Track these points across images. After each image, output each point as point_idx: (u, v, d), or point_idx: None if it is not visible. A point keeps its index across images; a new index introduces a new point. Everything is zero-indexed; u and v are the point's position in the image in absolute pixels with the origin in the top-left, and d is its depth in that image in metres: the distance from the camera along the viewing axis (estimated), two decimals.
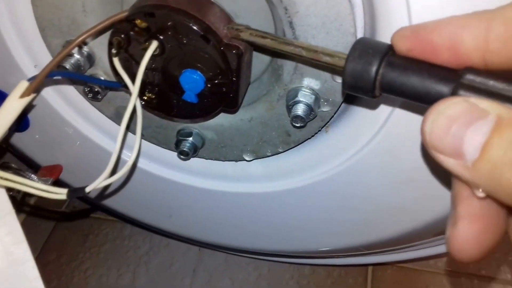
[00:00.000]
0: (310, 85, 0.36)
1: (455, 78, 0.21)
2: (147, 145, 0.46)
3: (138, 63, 0.33)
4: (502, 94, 0.19)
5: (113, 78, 0.38)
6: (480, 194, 0.19)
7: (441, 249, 0.54)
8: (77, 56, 0.38)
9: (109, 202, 0.58)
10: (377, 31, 0.33)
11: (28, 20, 0.39)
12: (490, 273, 0.70)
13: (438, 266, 0.71)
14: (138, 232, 0.78)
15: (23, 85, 0.31)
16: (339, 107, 0.37)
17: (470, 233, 0.20)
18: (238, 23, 0.35)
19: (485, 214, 0.20)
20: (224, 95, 0.35)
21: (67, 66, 0.37)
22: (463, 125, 0.18)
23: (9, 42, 0.41)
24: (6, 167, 0.45)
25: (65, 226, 0.80)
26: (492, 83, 0.20)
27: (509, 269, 0.70)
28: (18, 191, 0.47)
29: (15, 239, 0.34)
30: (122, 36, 0.33)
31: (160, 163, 0.49)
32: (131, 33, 0.33)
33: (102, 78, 0.41)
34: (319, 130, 0.40)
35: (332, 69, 0.33)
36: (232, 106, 0.36)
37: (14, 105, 0.31)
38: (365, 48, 0.24)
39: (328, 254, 0.62)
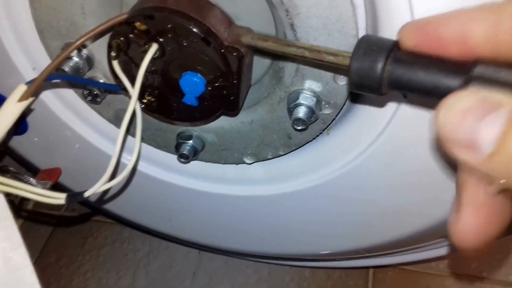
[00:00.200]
0: (311, 87, 0.36)
1: (464, 71, 0.20)
2: (146, 148, 0.46)
3: (137, 66, 0.33)
4: None
5: (112, 81, 0.38)
6: (493, 189, 0.19)
7: (442, 251, 0.54)
8: (76, 59, 0.38)
9: (108, 206, 0.58)
10: (379, 33, 0.32)
11: (27, 22, 0.39)
12: (491, 275, 0.70)
13: (439, 268, 0.71)
14: (137, 235, 0.77)
15: (21, 88, 0.31)
16: (341, 109, 0.37)
17: (473, 221, 0.20)
18: (239, 25, 0.34)
19: (490, 204, 0.20)
20: (225, 98, 0.35)
21: (66, 69, 0.37)
22: (477, 117, 0.18)
23: (7, 45, 0.41)
24: (4, 171, 0.44)
25: (64, 229, 0.80)
26: (502, 75, 0.19)
27: (510, 271, 0.70)
28: (16, 195, 0.47)
29: (13, 245, 0.33)
30: (122, 38, 0.33)
31: (160, 166, 0.49)
32: (131, 35, 0.33)
33: (102, 81, 0.40)
34: (321, 133, 0.39)
35: (336, 69, 0.33)
36: (232, 109, 0.36)
37: (12, 109, 0.31)
38: (369, 45, 0.23)
39: (329, 257, 0.61)
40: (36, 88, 0.31)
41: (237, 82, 0.34)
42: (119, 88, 0.36)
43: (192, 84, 0.34)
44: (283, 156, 0.43)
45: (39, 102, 0.44)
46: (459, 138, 0.18)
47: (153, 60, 0.33)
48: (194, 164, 0.46)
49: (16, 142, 0.50)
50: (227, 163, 0.45)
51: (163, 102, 0.37)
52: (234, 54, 0.33)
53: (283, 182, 0.46)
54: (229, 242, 0.58)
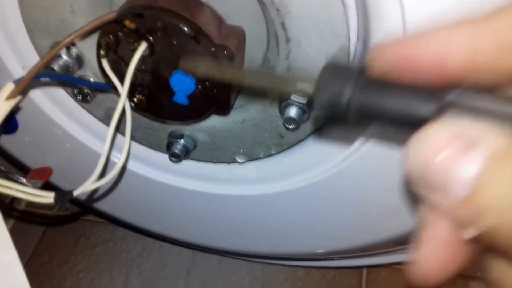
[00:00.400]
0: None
1: (439, 97, 0.18)
2: (138, 147, 0.46)
3: (127, 65, 0.33)
4: (493, 113, 0.17)
5: (102, 80, 0.38)
6: (467, 234, 0.17)
7: None
8: (65, 57, 0.37)
9: (99, 205, 0.57)
10: (371, 33, 0.32)
11: (16, 20, 0.38)
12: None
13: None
14: (130, 235, 0.77)
15: (9, 87, 0.31)
16: None
17: (432, 260, 0.19)
18: (230, 24, 0.34)
19: (451, 243, 0.18)
20: (216, 97, 0.35)
21: (56, 67, 0.37)
22: (451, 156, 0.16)
23: None
24: None
25: (56, 228, 0.79)
26: (479, 102, 0.18)
27: None
28: (6, 195, 0.47)
29: (3, 244, 0.33)
30: (111, 37, 0.32)
31: (151, 166, 0.48)
32: (120, 34, 0.32)
33: (92, 79, 0.40)
34: (313, 132, 0.39)
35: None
36: (223, 108, 0.36)
37: (0, 107, 0.31)
38: (335, 72, 0.21)
39: (322, 256, 0.61)
40: (24, 87, 0.30)
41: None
42: (109, 87, 0.36)
43: (182, 83, 0.33)
44: (275, 155, 0.43)
45: (29, 101, 0.44)
46: (430, 178, 0.17)
47: (142, 58, 0.32)
48: (186, 164, 0.46)
49: (7, 141, 0.50)
50: (219, 163, 0.45)
51: (153, 101, 0.37)
52: (225, 52, 0.32)
53: (275, 182, 0.46)
54: (222, 241, 0.58)
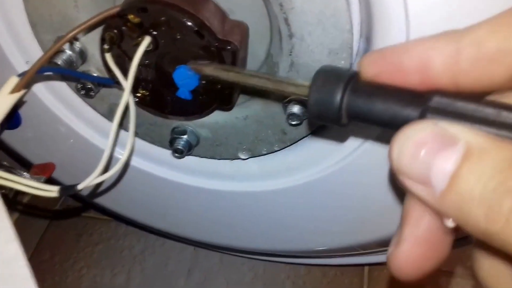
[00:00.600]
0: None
1: (423, 101, 0.20)
2: (141, 143, 0.46)
3: (130, 59, 0.33)
4: (472, 116, 0.19)
5: (106, 75, 0.38)
6: (450, 224, 0.18)
7: None
8: (68, 52, 0.37)
9: (102, 201, 0.57)
10: (374, 28, 0.32)
11: (20, 15, 0.38)
12: None
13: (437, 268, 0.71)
14: (132, 232, 0.77)
15: (13, 80, 0.31)
16: None
17: (410, 256, 0.20)
18: (233, 19, 0.34)
19: (430, 240, 0.20)
20: (219, 92, 0.35)
21: (59, 62, 0.37)
22: (432, 151, 0.17)
23: (0, 38, 0.40)
24: None
25: (58, 225, 0.79)
26: (461, 105, 0.19)
27: None
28: (10, 189, 0.47)
29: (6, 238, 0.33)
30: (115, 31, 0.32)
31: (154, 161, 0.48)
32: (124, 28, 0.33)
33: (95, 74, 0.40)
34: (316, 128, 0.39)
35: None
36: (227, 103, 0.36)
37: (4, 100, 0.31)
38: (328, 75, 0.23)
39: (324, 253, 0.61)
40: (28, 80, 0.31)
41: None
42: (112, 82, 0.36)
43: (186, 78, 0.34)
44: (278, 152, 0.43)
45: (32, 96, 0.44)
46: (412, 172, 0.18)
47: (146, 53, 0.32)
48: (189, 160, 0.46)
49: (10, 137, 0.50)
50: (221, 159, 0.45)
51: (156, 96, 0.37)
52: (228, 47, 0.32)
53: (277, 178, 0.46)
54: (224, 238, 0.58)
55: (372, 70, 0.22)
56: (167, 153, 0.45)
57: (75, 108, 0.46)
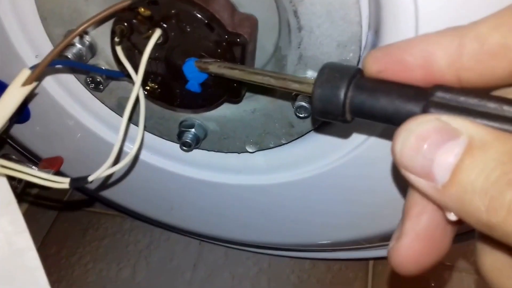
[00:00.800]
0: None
1: (425, 96, 0.20)
2: (149, 137, 0.46)
3: (141, 52, 0.33)
4: (474, 110, 0.19)
5: (115, 69, 0.38)
6: (452, 217, 0.18)
7: None
8: (78, 45, 0.38)
9: (110, 194, 0.58)
10: (382, 21, 0.32)
11: (30, 9, 0.39)
12: None
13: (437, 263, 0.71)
14: (138, 226, 0.77)
15: (25, 73, 0.31)
16: None
17: (410, 251, 0.20)
18: (242, 11, 0.34)
19: (430, 235, 0.20)
20: (228, 85, 0.35)
21: (69, 55, 0.37)
22: (434, 144, 0.18)
23: (10, 32, 0.41)
24: (7, 158, 0.44)
25: (65, 220, 0.80)
26: (463, 99, 0.19)
27: None
28: (19, 182, 0.47)
29: (17, 229, 0.33)
30: (125, 24, 0.33)
31: (162, 155, 0.49)
32: (134, 21, 0.33)
33: (104, 68, 0.40)
34: (323, 122, 0.39)
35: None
36: (235, 96, 0.36)
37: (16, 93, 0.31)
38: (332, 72, 0.23)
39: (329, 247, 0.62)
40: (39, 73, 0.31)
41: None
42: (122, 75, 0.36)
43: (195, 71, 0.34)
44: (285, 145, 0.43)
45: (41, 91, 0.44)
46: (415, 165, 0.18)
47: (156, 46, 0.33)
48: (196, 153, 0.46)
49: (18, 131, 0.50)
50: (229, 152, 0.45)
51: (166, 89, 0.37)
52: (238, 40, 0.33)
53: (285, 171, 0.46)
54: (231, 231, 0.58)
55: (376, 66, 0.22)
56: (174, 146, 0.45)
57: (83, 101, 0.46)
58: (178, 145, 0.44)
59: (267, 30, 0.36)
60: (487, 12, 0.20)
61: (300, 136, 0.42)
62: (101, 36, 0.38)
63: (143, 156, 0.49)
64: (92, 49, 0.39)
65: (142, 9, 0.32)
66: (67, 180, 0.32)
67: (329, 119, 0.24)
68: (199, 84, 0.35)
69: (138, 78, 0.32)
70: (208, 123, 0.43)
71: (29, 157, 0.55)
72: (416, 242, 0.20)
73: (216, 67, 0.32)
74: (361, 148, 0.40)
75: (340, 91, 0.22)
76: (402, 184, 0.42)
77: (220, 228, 0.58)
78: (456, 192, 0.17)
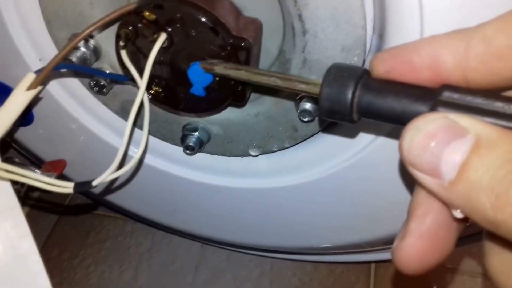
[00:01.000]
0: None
1: (433, 96, 0.20)
2: (152, 140, 0.46)
3: (145, 56, 0.33)
4: (481, 109, 0.19)
5: (119, 72, 0.38)
6: (458, 214, 0.18)
7: None
8: (83, 49, 0.38)
9: (113, 198, 0.58)
10: (387, 25, 0.32)
11: (34, 12, 0.39)
12: None
13: (441, 264, 0.71)
14: (140, 229, 0.77)
15: (30, 77, 0.31)
16: None
17: (414, 250, 0.20)
18: (247, 15, 0.34)
19: (434, 235, 0.20)
20: (232, 89, 0.35)
21: (73, 59, 0.37)
22: (442, 142, 0.18)
23: (14, 35, 0.41)
24: (10, 162, 0.44)
25: (67, 222, 0.80)
26: (470, 99, 0.19)
27: None
28: (22, 185, 0.47)
29: (20, 233, 0.33)
30: (130, 28, 0.33)
31: (165, 158, 0.49)
32: (139, 25, 0.33)
33: (108, 72, 0.40)
34: (326, 125, 0.39)
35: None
36: (239, 100, 0.36)
37: (21, 97, 0.31)
38: (339, 72, 0.23)
39: (331, 251, 0.62)
40: (44, 77, 0.31)
41: None
42: (127, 79, 0.36)
43: (200, 75, 0.34)
44: (288, 149, 0.43)
45: (45, 94, 0.44)
46: (422, 163, 0.18)
47: (161, 50, 0.33)
48: (200, 157, 0.46)
49: (22, 134, 0.50)
50: (232, 156, 0.45)
51: (170, 93, 0.37)
52: (242, 44, 0.33)
53: (288, 175, 0.46)
54: (234, 234, 0.58)
55: (383, 67, 0.22)
56: (177, 149, 0.45)
57: (86, 105, 0.46)
58: (181, 148, 0.44)
59: (271, 33, 0.36)
60: (491, 16, 0.20)
61: (304, 140, 0.41)
62: (105, 39, 0.38)
63: (147, 159, 0.49)
64: (96, 52, 0.39)
65: (147, 13, 0.32)
66: (71, 184, 0.32)
67: (336, 119, 0.24)
68: (204, 88, 0.35)
69: (143, 82, 0.32)
70: (211, 126, 0.43)
71: (32, 160, 0.55)
72: (421, 242, 0.20)
73: (222, 68, 0.32)
74: (364, 153, 0.40)
75: (348, 90, 0.22)
76: (406, 185, 0.42)
77: (222, 231, 0.58)
78: (463, 189, 0.17)
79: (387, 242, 0.52)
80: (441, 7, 0.30)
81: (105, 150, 0.48)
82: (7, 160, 0.44)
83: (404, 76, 0.21)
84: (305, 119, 0.37)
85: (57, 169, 0.47)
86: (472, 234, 0.44)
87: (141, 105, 0.33)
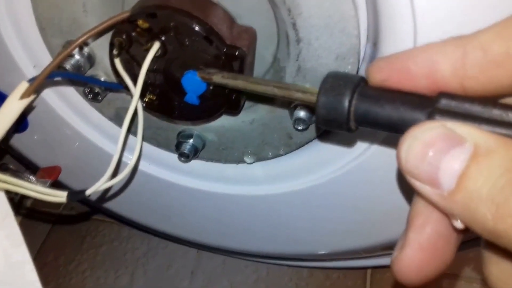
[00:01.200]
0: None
1: (430, 104, 0.20)
2: (147, 147, 0.46)
3: (139, 64, 0.33)
4: (479, 116, 0.19)
5: (113, 79, 0.38)
6: (458, 225, 0.18)
7: None
8: (77, 56, 0.38)
9: (108, 205, 0.57)
10: (381, 34, 0.32)
11: (28, 19, 0.39)
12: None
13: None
14: (136, 234, 0.77)
15: (23, 86, 0.31)
16: None
17: (414, 261, 0.20)
18: (241, 24, 0.34)
19: (434, 246, 0.20)
20: (227, 97, 0.35)
21: (67, 66, 0.37)
22: (440, 152, 0.18)
23: (8, 42, 0.41)
24: (4, 169, 0.44)
25: (62, 227, 0.79)
26: (468, 106, 0.19)
27: None
28: (16, 193, 0.47)
29: (14, 242, 0.33)
30: (124, 36, 0.33)
31: (160, 165, 0.49)
32: (133, 33, 0.33)
33: (103, 79, 0.40)
34: (322, 133, 0.39)
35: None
36: (234, 108, 0.36)
37: (14, 106, 0.31)
38: (336, 80, 0.23)
39: (327, 257, 0.61)
40: (38, 86, 0.31)
41: None
42: (121, 87, 0.36)
43: (194, 83, 0.34)
44: (283, 156, 0.43)
45: (39, 100, 0.44)
46: (421, 172, 0.18)
47: (155, 58, 0.33)
48: (195, 163, 0.46)
49: (16, 140, 0.50)
50: (227, 163, 0.45)
51: (164, 101, 0.37)
52: (236, 53, 0.33)
53: (283, 182, 0.46)
54: (229, 241, 0.58)
55: (380, 75, 0.22)
56: (172, 156, 0.45)
57: (81, 111, 0.46)
58: (176, 155, 0.44)
59: (265, 41, 0.36)
60: (485, 24, 0.20)
61: (299, 147, 0.41)
62: (100, 46, 0.38)
63: (141, 166, 0.49)
64: (90, 59, 0.39)
65: (141, 22, 0.32)
66: (65, 194, 0.31)
67: (333, 127, 0.23)
68: (198, 96, 0.35)
69: (136, 90, 0.32)
70: (206, 133, 0.43)
71: (28, 166, 0.55)
72: (420, 253, 0.20)
73: (220, 77, 0.32)
74: (360, 159, 0.40)
75: (345, 98, 0.22)
76: (402, 192, 0.42)
77: (218, 237, 0.58)
78: (462, 199, 0.17)
79: (383, 248, 0.52)
80: (435, 16, 0.30)
81: (100, 156, 0.48)
82: (1, 167, 0.44)
83: (401, 84, 0.21)
84: (300, 128, 0.37)
85: (52, 175, 0.47)
86: (468, 240, 0.44)
87: (135, 112, 0.33)
